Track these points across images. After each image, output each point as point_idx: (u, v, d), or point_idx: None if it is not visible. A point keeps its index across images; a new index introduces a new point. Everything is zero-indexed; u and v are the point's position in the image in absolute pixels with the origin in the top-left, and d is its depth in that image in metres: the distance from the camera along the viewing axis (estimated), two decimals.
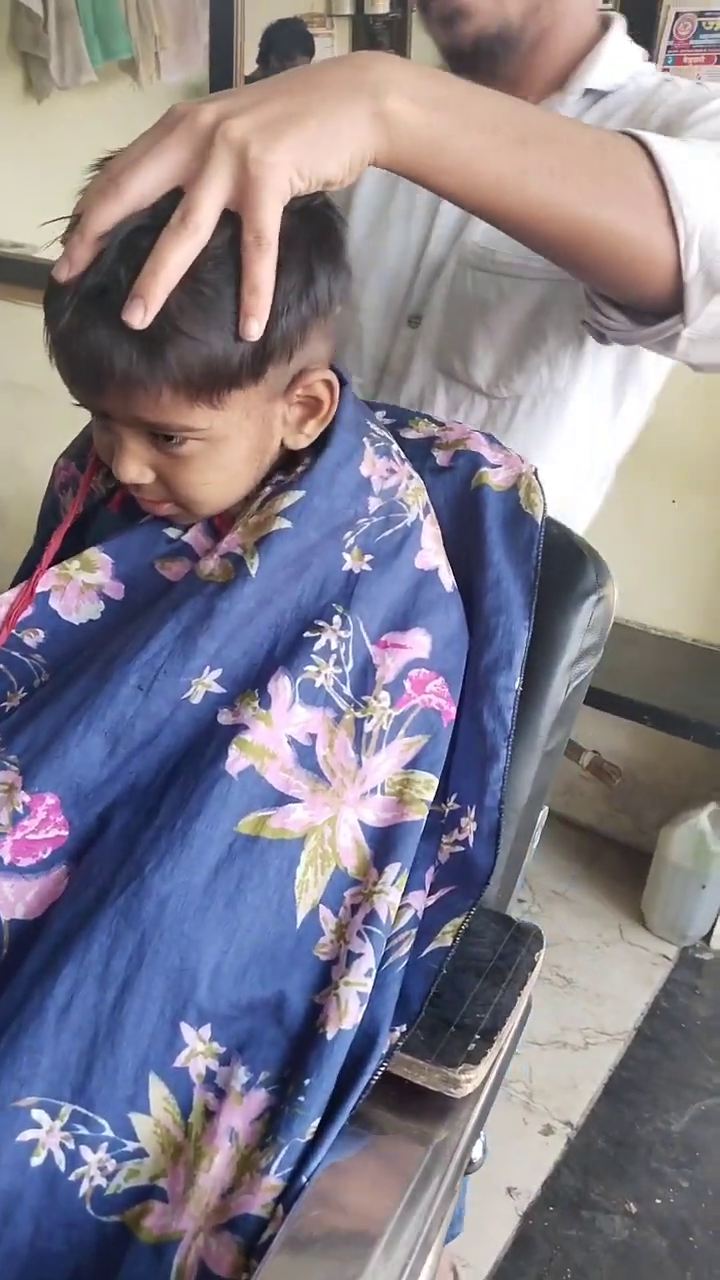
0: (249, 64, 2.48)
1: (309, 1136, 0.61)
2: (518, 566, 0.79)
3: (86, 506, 0.82)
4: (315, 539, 0.73)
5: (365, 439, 0.78)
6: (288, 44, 2.51)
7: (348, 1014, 0.64)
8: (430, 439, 0.85)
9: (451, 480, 0.83)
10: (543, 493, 0.81)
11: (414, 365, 1.05)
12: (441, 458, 0.84)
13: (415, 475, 0.80)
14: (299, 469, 0.75)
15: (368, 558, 0.75)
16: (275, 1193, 0.59)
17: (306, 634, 0.71)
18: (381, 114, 0.60)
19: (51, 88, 2.72)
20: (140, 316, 0.59)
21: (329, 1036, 0.63)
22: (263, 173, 0.58)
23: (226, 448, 0.70)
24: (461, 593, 0.79)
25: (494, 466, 0.82)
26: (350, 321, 1.08)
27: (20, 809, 0.66)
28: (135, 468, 0.70)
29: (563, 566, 0.81)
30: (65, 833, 0.67)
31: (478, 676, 0.77)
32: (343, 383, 0.76)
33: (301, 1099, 0.61)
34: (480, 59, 0.94)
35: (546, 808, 0.86)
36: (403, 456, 0.81)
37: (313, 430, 0.75)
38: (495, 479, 0.82)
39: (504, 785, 0.74)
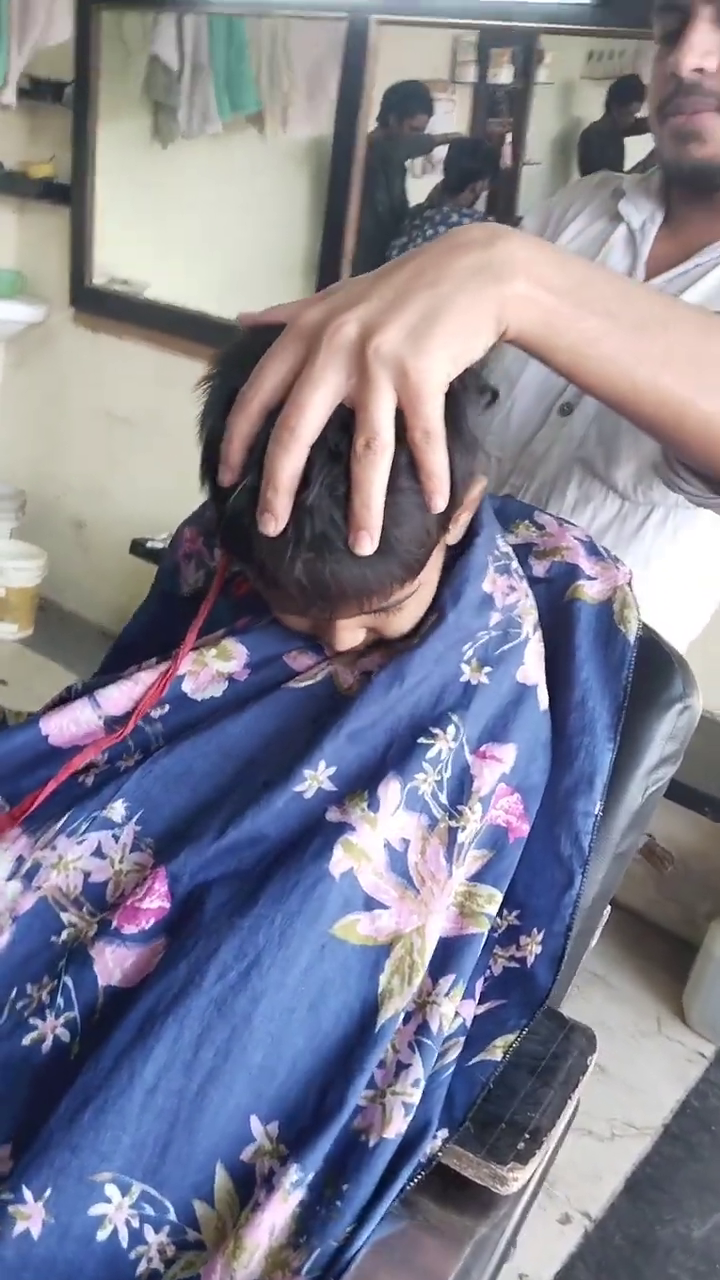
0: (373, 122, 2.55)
1: (341, 1240, 0.61)
2: (605, 684, 0.79)
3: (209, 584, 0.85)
4: (441, 650, 0.74)
5: (490, 557, 0.79)
6: (407, 104, 2.58)
7: (391, 1123, 0.64)
8: (528, 546, 0.85)
9: (547, 591, 0.83)
10: (638, 609, 0.81)
11: (555, 450, 1.06)
12: (538, 567, 0.84)
13: (530, 594, 0.81)
14: None
15: (485, 670, 0.76)
16: None
17: (421, 740, 0.72)
18: (509, 299, 0.62)
19: (177, 134, 2.81)
20: (369, 546, 0.62)
21: (370, 1144, 0.63)
22: (423, 378, 0.60)
23: (427, 587, 0.74)
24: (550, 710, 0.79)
25: (590, 579, 0.82)
26: (505, 394, 1.10)
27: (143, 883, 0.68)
28: (351, 637, 0.73)
29: (650, 672, 0.82)
30: (168, 904, 0.68)
31: (557, 798, 0.77)
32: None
33: (339, 1204, 0.61)
34: (697, 180, 0.99)
35: (609, 907, 0.86)
36: (521, 574, 0.81)
37: (464, 522, 0.78)
38: (590, 592, 0.81)
39: (575, 910, 0.74)
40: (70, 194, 3.01)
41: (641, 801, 0.82)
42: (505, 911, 0.76)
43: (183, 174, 2.92)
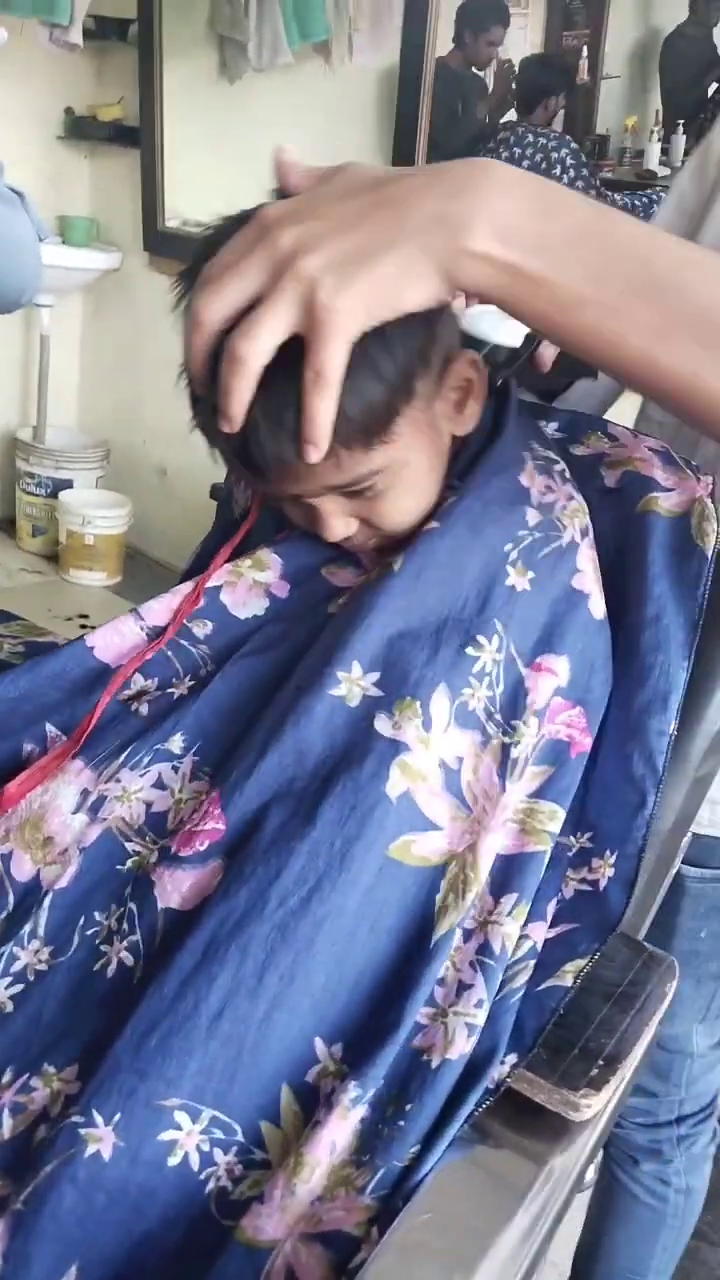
0: (441, 46, 2.47)
1: (406, 1161, 0.60)
2: (681, 602, 0.75)
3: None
4: (468, 539, 0.73)
5: (527, 453, 0.77)
6: (483, 18, 2.50)
7: (454, 1044, 0.63)
8: (599, 456, 0.82)
9: (618, 503, 0.79)
10: (717, 521, 0.77)
11: None
12: (610, 478, 0.81)
13: (577, 497, 0.78)
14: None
15: (529, 574, 0.74)
16: (370, 1214, 0.58)
17: (469, 650, 0.71)
18: (462, 255, 0.58)
19: (246, 69, 2.77)
20: (314, 455, 0.64)
21: (434, 1065, 0.63)
22: (329, 317, 0.58)
23: (410, 471, 0.72)
24: (617, 625, 0.77)
25: (665, 490, 0.78)
26: None
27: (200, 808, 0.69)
28: (340, 525, 0.74)
29: None
30: (222, 827, 0.68)
31: (630, 716, 0.75)
32: (507, 394, 0.76)
33: (402, 1124, 0.61)
34: None
35: (691, 833, 0.84)
36: (565, 477, 0.79)
37: (473, 410, 0.76)
38: (665, 504, 0.78)
39: (648, 831, 0.73)
40: (139, 136, 3.00)
41: None
42: (578, 834, 0.74)
43: (251, 111, 2.88)
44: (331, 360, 0.59)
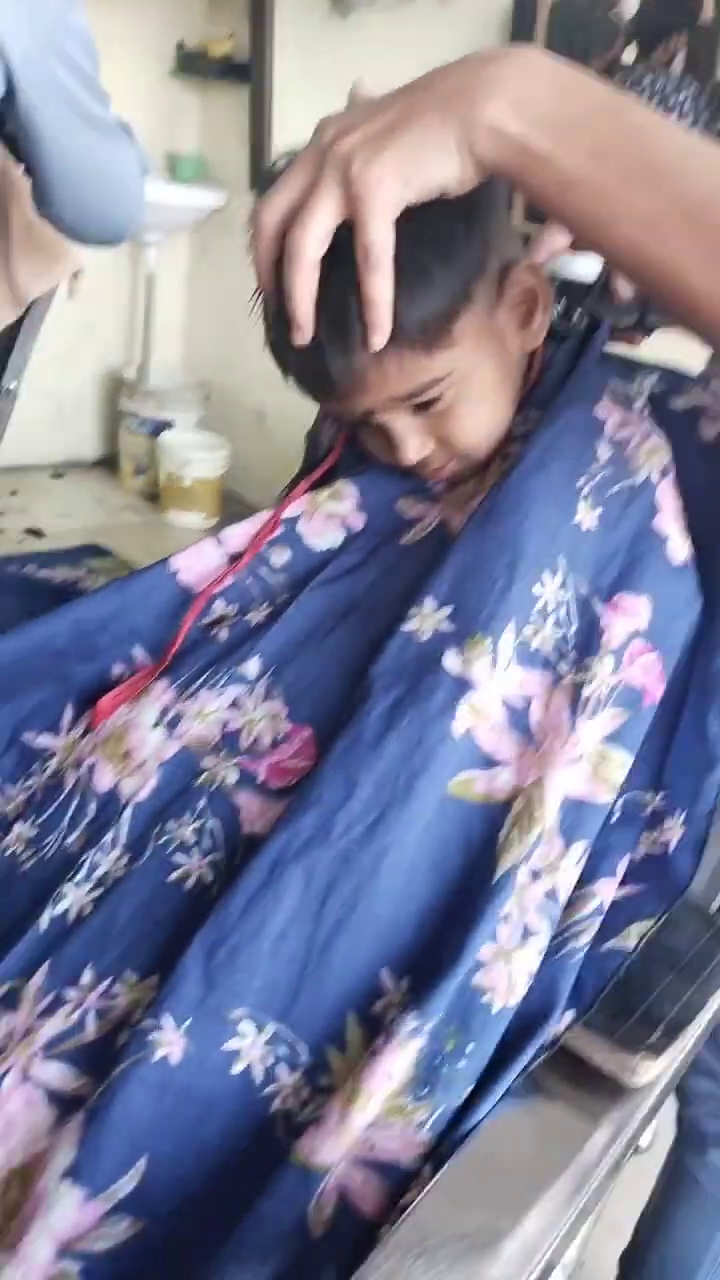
0: None
1: (462, 1102, 0.61)
2: None
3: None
4: (537, 473, 0.73)
5: (605, 388, 0.78)
6: None
7: (515, 991, 0.64)
8: (699, 410, 0.80)
9: (716, 459, 0.78)
10: None
11: None
12: (708, 431, 0.79)
13: (656, 435, 0.77)
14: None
15: (598, 511, 0.73)
16: (424, 1149, 0.60)
17: (534, 588, 0.71)
18: (478, 125, 0.58)
19: (358, 5, 2.71)
20: (377, 340, 0.65)
21: (494, 1010, 0.63)
22: (365, 190, 0.59)
23: (476, 381, 0.74)
24: (708, 583, 0.76)
25: None
26: None
27: (281, 736, 0.72)
28: (415, 443, 0.75)
29: None
30: (311, 764, 0.70)
31: (709, 674, 0.74)
32: (595, 328, 0.78)
33: (461, 1064, 0.62)
34: None
35: None
36: (644, 415, 0.78)
37: (540, 321, 0.77)
38: None
39: (719, 794, 0.72)
40: (249, 73, 2.97)
41: None
42: (653, 793, 0.74)
43: (362, 48, 2.82)
44: (376, 233, 0.61)
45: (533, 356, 0.80)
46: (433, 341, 0.69)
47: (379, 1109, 0.61)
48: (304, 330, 0.65)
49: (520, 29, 2.35)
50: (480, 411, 0.75)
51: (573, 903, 0.69)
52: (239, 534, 0.82)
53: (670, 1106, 1.28)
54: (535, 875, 0.67)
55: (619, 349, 0.88)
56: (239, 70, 3.03)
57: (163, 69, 3.21)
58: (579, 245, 0.63)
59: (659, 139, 0.58)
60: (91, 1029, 0.64)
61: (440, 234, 0.66)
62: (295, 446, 0.97)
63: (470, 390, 0.74)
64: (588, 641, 0.71)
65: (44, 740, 0.78)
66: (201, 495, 3.30)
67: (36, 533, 3.12)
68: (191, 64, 3.14)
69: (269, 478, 3.44)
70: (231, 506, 3.38)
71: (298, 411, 0.95)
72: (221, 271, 3.42)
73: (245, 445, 3.33)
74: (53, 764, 0.77)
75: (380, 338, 0.65)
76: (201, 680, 0.75)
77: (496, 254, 0.73)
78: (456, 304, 0.69)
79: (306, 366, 0.71)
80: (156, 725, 0.74)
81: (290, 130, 2.98)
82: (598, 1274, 1.43)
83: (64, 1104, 0.62)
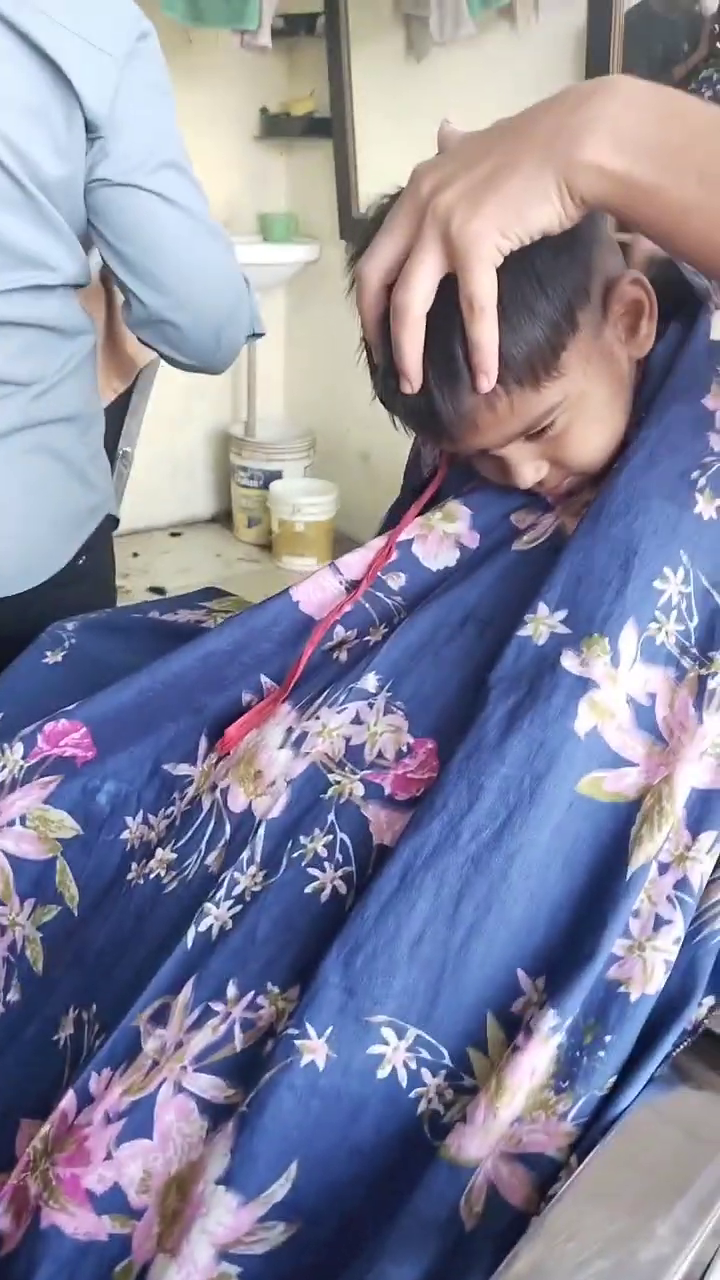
0: None
1: (605, 1091, 0.62)
2: None
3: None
4: (645, 470, 0.73)
5: (714, 374, 0.76)
6: None
7: (652, 979, 0.64)
8: None
9: None
10: None
11: None
12: None
13: None
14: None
15: (717, 501, 0.72)
16: (571, 1139, 0.60)
17: (655, 584, 0.71)
18: (578, 166, 0.57)
19: (431, 45, 2.77)
20: (484, 384, 0.66)
21: (633, 999, 0.63)
22: (466, 244, 0.60)
23: (590, 402, 0.74)
24: None
25: None
26: None
27: (404, 749, 0.73)
28: (531, 469, 0.76)
29: None
30: (436, 775, 0.71)
31: None
32: (698, 320, 0.76)
33: (601, 1054, 0.62)
34: None
35: None
36: None
37: (647, 329, 0.77)
38: None
39: None
40: (331, 127, 3.05)
41: None
42: None
43: (439, 85, 2.87)
44: (479, 285, 0.61)
45: (642, 361, 0.80)
46: (542, 376, 0.69)
47: (523, 1104, 0.61)
48: (413, 382, 0.67)
49: (596, 43, 2.35)
50: (595, 430, 0.75)
51: (709, 888, 0.68)
52: (356, 562, 0.84)
53: None
54: (664, 868, 0.67)
55: None
56: (321, 125, 3.12)
57: (248, 134, 3.33)
58: (700, 268, 0.62)
59: None
60: (239, 1040, 0.66)
61: (542, 268, 0.67)
62: (398, 481, 0.99)
63: (584, 412, 0.74)
64: (710, 634, 0.71)
65: (183, 769, 0.81)
66: (314, 539, 3.36)
67: (159, 590, 3.22)
68: (275, 126, 3.24)
69: (377, 515, 3.47)
70: (343, 547, 3.40)
71: (401, 450, 0.97)
72: (317, 320, 3.50)
73: (352, 487, 3.39)
74: (190, 790, 0.80)
75: (489, 381, 0.66)
76: (322, 699, 0.77)
77: (599, 274, 0.72)
78: (563, 335, 0.69)
79: (418, 413, 0.72)
80: (283, 746, 0.76)
81: (375, 177, 3.06)
82: None
83: (216, 1113, 0.64)
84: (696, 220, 0.58)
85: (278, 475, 3.46)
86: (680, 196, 0.57)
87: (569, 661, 0.69)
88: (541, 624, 0.71)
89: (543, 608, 0.72)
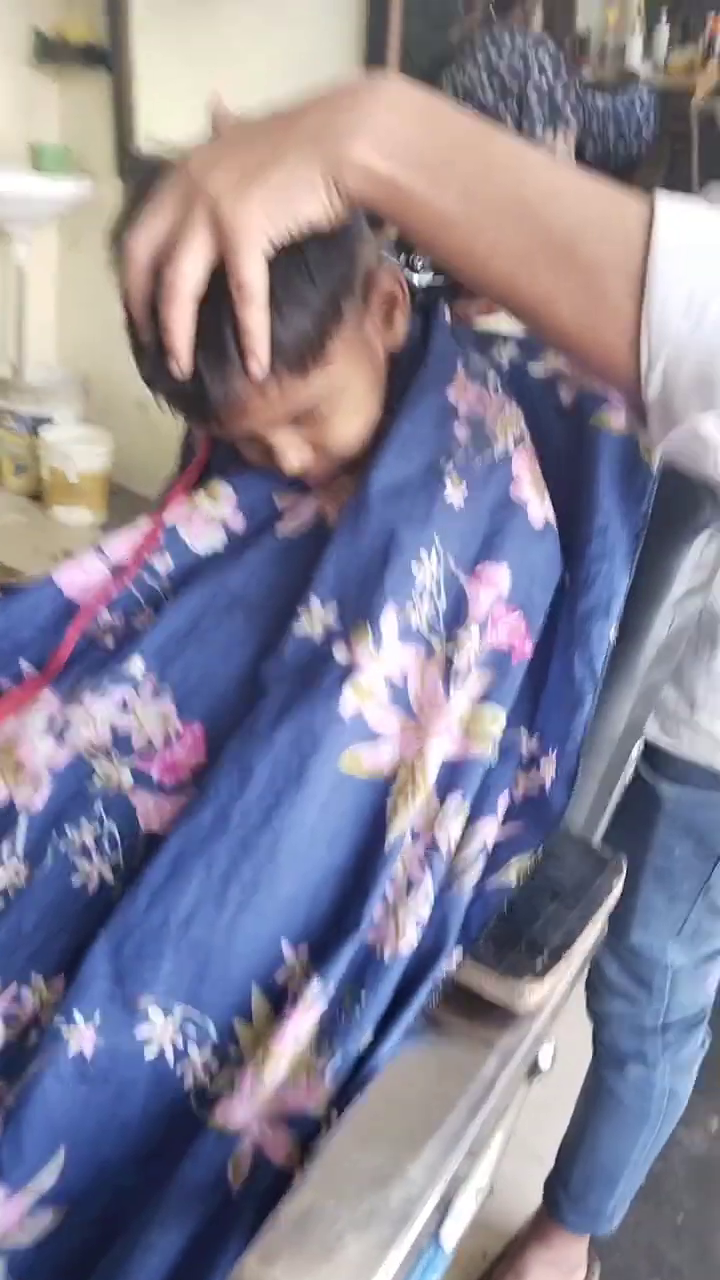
0: None
1: (363, 1048, 0.64)
2: (626, 515, 0.78)
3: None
4: (398, 463, 0.75)
5: (459, 365, 0.79)
6: None
7: (404, 937, 0.67)
8: (556, 375, 0.84)
9: (572, 418, 0.81)
10: None
11: None
12: (566, 395, 0.82)
13: (510, 406, 0.80)
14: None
15: (463, 486, 0.75)
16: (329, 1096, 0.62)
17: (413, 567, 0.73)
18: (344, 164, 0.59)
19: None
20: (257, 371, 0.67)
21: (385, 958, 0.66)
22: (235, 230, 0.60)
23: (351, 391, 0.76)
24: (568, 536, 0.79)
25: (617, 409, 0.80)
26: None
27: (173, 734, 0.73)
28: (296, 455, 0.77)
29: (678, 498, 0.79)
30: (205, 760, 0.72)
31: (574, 621, 0.77)
32: (434, 312, 0.80)
33: (357, 1013, 0.64)
34: None
35: (642, 740, 0.86)
36: (497, 387, 0.81)
37: (400, 322, 0.80)
38: (616, 422, 0.80)
39: (586, 732, 0.75)
40: (109, 57, 2.92)
41: (669, 632, 0.80)
42: (528, 737, 0.77)
43: (223, 28, 2.79)
44: (248, 271, 0.61)
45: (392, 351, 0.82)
46: (310, 362, 0.70)
47: (287, 1070, 0.63)
48: (182, 364, 0.66)
49: (375, 3, 2.36)
50: (356, 417, 0.77)
51: (458, 845, 0.71)
52: (121, 544, 0.83)
53: (586, 1030, 1.33)
54: (416, 835, 0.70)
55: (489, 321, 0.91)
56: (98, 55, 2.98)
57: (19, 59, 3.14)
58: (456, 273, 0.62)
59: (526, 173, 0.59)
60: (1, 1034, 0.66)
61: (309, 257, 0.67)
62: (178, 436, 0.97)
63: (346, 400, 0.76)
64: (456, 614, 0.74)
65: None
66: (89, 490, 3.25)
67: None
68: (49, 51, 3.07)
69: (155, 468, 3.39)
70: (119, 499, 3.33)
71: None
72: (94, 262, 3.35)
73: (129, 437, 3.29)
74: None
75: (260, 367, 0.66)
76: (86, 685, 0.76)
77: (360, 265, 0.74)
78: (329, 323, 0.71)
79: (185, 396, 0.71)
80: (45, 734, 0.74)
81: (154, 114, 2.95)
82: (521, 1203, 1.47)
83: None
84: (455, 231, 0.59)
85: (48, 421, 3.31)
86: (442, 209, 0.59)
87: (340, 653, 0.71)
88: (315, 618, 0.73)
89: (314, 600, 0.73)
